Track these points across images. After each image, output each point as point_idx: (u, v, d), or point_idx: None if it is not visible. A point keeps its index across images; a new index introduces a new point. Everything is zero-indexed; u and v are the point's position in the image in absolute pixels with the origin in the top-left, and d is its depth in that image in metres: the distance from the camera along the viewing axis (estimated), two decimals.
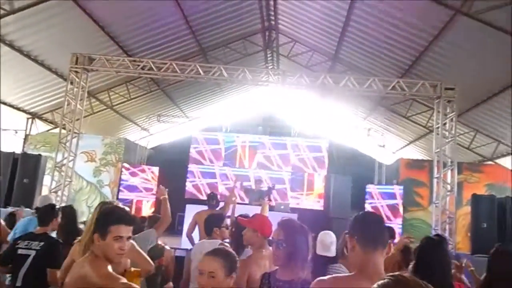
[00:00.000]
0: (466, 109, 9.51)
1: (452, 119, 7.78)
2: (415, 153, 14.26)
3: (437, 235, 3.43)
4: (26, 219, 4.30)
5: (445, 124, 7.83)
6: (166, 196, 3.67)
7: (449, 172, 7.68)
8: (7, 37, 7.77)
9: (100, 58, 8.08)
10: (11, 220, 4.75)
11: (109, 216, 1.97)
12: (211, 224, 3.51)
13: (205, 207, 5.73)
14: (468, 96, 8.88)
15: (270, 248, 2.54)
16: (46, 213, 3.45)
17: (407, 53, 9.14)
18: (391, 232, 4.22)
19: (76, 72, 8.02)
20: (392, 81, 8.00)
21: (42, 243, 3.12)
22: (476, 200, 7.20)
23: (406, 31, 8.41)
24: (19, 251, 3.12)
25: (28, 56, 8.52)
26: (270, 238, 2.58)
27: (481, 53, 7.64)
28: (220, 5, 9.58)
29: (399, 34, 8.65)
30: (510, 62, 7.39)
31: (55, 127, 11.69)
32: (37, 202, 4.93)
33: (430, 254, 2.49)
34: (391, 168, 11.77)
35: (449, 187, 7.62)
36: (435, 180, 7.83)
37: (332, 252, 2.99)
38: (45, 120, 11.53)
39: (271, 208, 9.18)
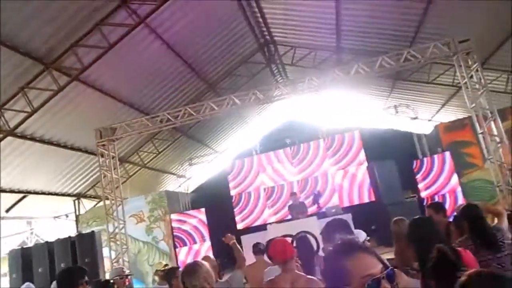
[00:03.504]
0: (489, 54, 9.04)
1: (477, 70, 7.40)
2: (452, 114, 13.64)
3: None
4: None
5: (471, 77, 7.44)
6: (235, 240, 3.95)
7: (492, 124, 7.26)
8: (35, 134, 8.28)
9: (121, 126, 8.40)
10: None
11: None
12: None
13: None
14: (486, 41, 8.46)
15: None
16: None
17: (408, 20, 8.88)
18: None
19: (103, 145, 8.37)
20: (403, 53, 7.76)
21: None
22: None
23: None
24: None
25: (57, 145, 9.03)
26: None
27: None
28: (213, 39, 9.82)
29: (393, 3, 8.46)
30: None
31: (100, 201, 12.18)
32: (111, 274, 5.09)
33: None
34: (431, 137, 11.28)
35: (497, 139, 7.18)
36: (481, 136, 7.41)
37: None
38: (90, 197, 12.06)
39: (324, 214, 9.00)
